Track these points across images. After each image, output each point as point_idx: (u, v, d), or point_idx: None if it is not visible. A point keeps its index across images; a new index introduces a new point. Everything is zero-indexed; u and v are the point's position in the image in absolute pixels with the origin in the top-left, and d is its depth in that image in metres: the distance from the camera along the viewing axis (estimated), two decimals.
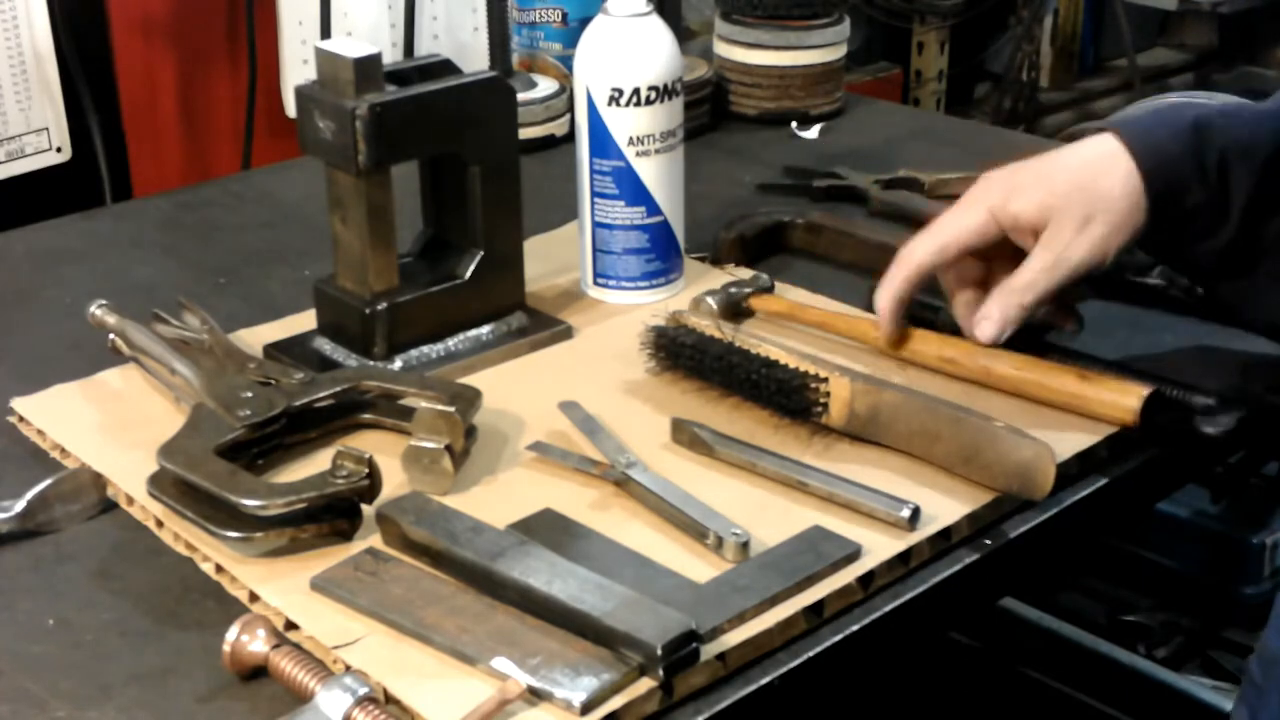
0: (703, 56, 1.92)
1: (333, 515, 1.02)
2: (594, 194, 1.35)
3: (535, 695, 0.87)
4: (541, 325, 1.30)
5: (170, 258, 1.52)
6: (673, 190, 1.35)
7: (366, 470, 1.01)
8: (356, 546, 1.01)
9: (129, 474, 1.08)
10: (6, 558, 1.03)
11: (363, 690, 0.85)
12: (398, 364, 1.23)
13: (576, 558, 0.97)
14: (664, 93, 1.32)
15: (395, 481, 1.06)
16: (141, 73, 1.96)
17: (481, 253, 1.26)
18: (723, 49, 1.89)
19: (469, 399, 1.13)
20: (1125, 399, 1.11)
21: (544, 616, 0.92)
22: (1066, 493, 1.08)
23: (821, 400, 1.12)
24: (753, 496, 1.07)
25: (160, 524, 1.05)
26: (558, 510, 1.05)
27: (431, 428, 1.07)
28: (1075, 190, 1.11)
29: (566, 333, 1.31)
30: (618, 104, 1.31)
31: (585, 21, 1.37)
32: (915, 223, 1.50)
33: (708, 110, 1.84)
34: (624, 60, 1.31)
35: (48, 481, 1.06)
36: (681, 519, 1.03)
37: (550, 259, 1.42)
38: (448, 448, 1.07)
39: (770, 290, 1.33)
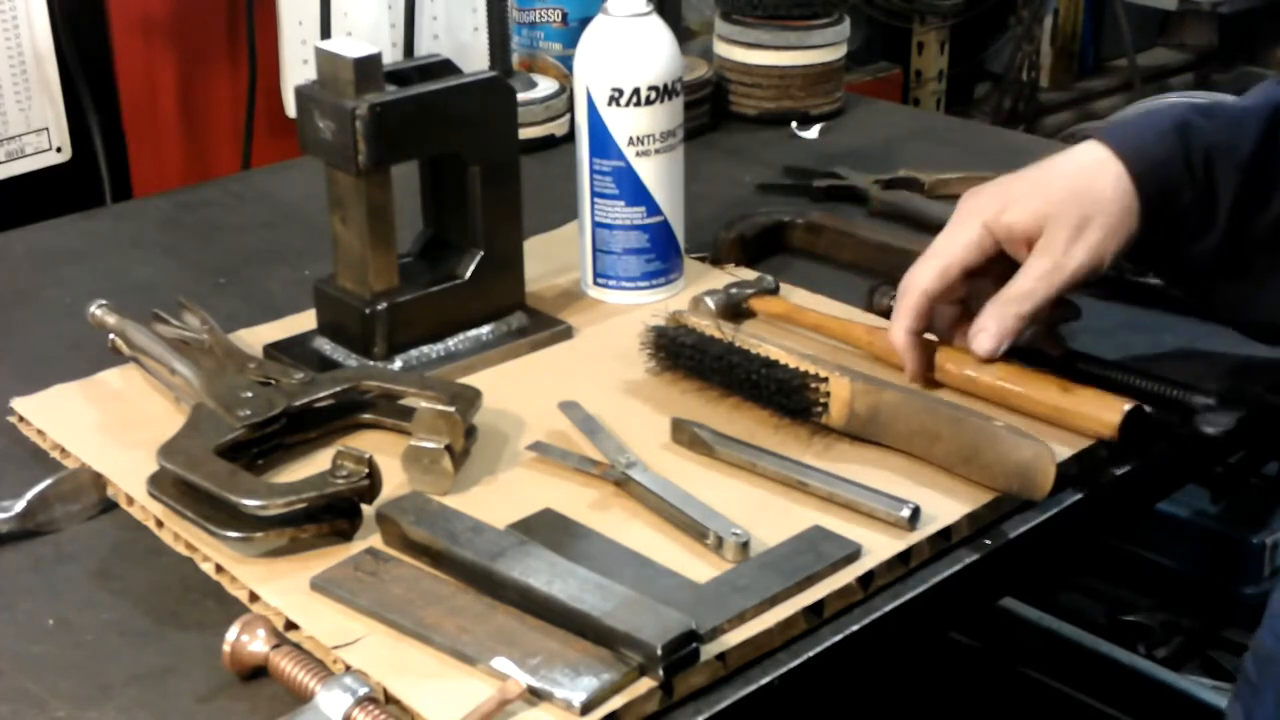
0: (703, 56, 1.92)
1: (333, 515, 1.02)
2: (594, 194, 1.35)
3: (535, 695, 0.87)
4: (541, 325, 1.30)
5: (170, 258, 1.52)
6: (673, 190, 1.35)
7: (366, 470, 1.01)
8: (356, 546, 1.01)
9: (129, 474, 1.08)
10: (6, 558, 1.03)
11: (363, 690, 0.85)
12: (398, 364, 1.23)
13: (576, 558, 0.97)
14: (664, 93, 1.32)
15: (395, 481, 1.06)
16: (141, 73, 1.96)
17: (481, 253, 1.26)
18: (723, 49, 1.89)
19: (469, 399, 1.13)
20: (1106, 414, 1.09)
21: (544, 616, 0.92)
22: (1066, 493, 1.08)
23: (821, 400, 1.12)
24: (753, 496, 1.07)
25: (160, 524, 1.05)
26: (558, 510, 1.05)
27: (431, 428, 1.07)
28: (1069, 197, 1.11)
29: (566, 333, 1.31)
30: (618, 104, 1.31)
31: (585, 21, 1.37)
32: (915, 223, 1.51)
33: (708, 110, 1.84)
34: (624, 60, 1.31)
35: (48, 481, 1.06)
36: (681, 519, 1.03)
37: (550, 259, 1.42)
38: (448, 448, 1.07)
39: (774, 292, 1.33)
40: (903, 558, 1.01)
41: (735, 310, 1.30)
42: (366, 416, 1.16)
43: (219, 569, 1.00)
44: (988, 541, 1.05)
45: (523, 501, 1.06)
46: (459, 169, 1.25)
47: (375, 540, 1.02)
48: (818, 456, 1.11)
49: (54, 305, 1.41)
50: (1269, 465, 2.06)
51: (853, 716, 1.10)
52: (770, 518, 1.04)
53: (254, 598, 0.97)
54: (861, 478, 1.07)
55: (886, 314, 1.29)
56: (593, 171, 1.34)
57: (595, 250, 1.37)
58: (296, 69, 2.00)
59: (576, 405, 1.16)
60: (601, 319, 1.34)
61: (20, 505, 1.04)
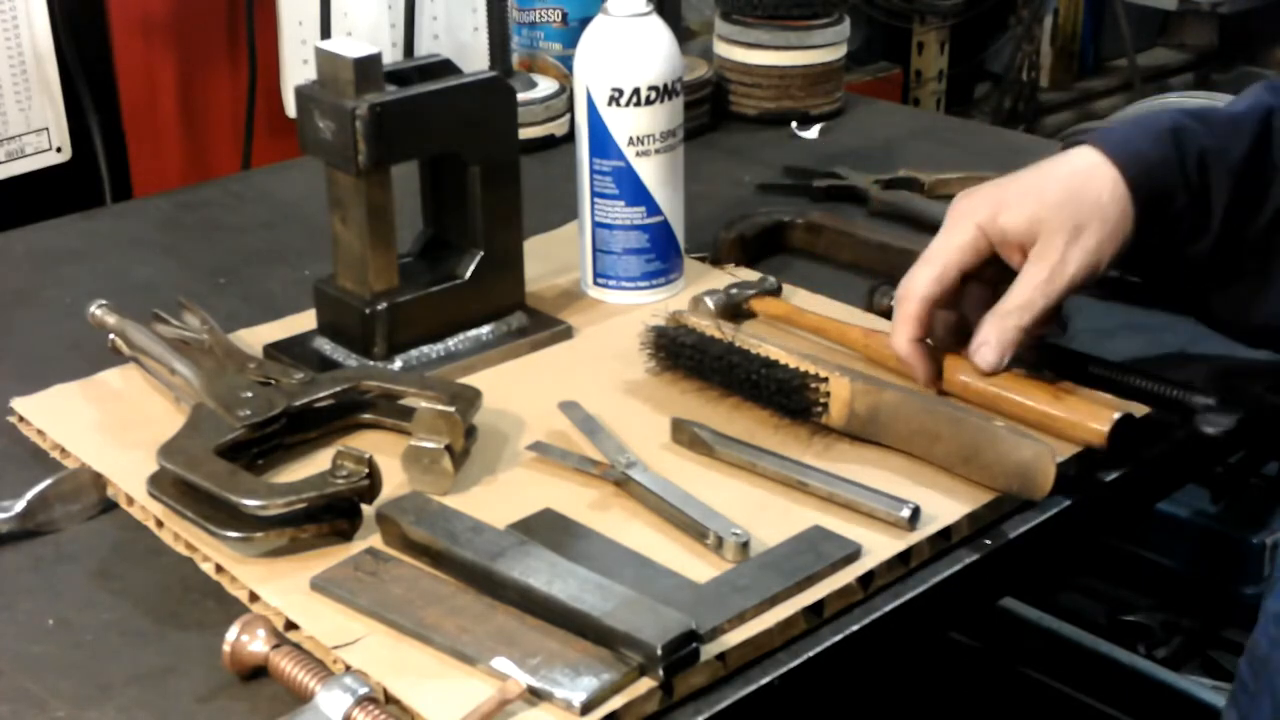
0: (703, 56, 1.92)
1: (333, 515, 1.02)
2: (594, 194, 1.35)
3: (535, 695, 0.87)
4: (541, 325, 1.30)
5: (170, 258, 1.52)
6: (673, 190, 1.35)
7: (366, 470, 1.01)
8: (356, 546, 1.01)
9: (129, 474, 1.08)
10: (6, 558, 1.03)
11: (363, 690, 0.85)
12: (398, 364, 1.23)
13: (576, 558, 0.97)
14: (664, 93, 1.32)
15: (395, 481, 1.06)
16: (141, 73, 1.96)
17: (481, 253, 1.26)
18: (723, 49, 1.89)
19: (469, 399, 1.13)
20: (1095, 421, 1.08)
21: (544, 616, 0.92)
22: (1066, 493, 1.08)
23: (821, 400, 1.12)
24: (753, 496, 1.07)
25: (160, 524, 1.05)
26: (558, 510, 1.05)
27: (431, 428, 1.07)
28: (1064, 202, 1.09)
29: (566, 333, 1.31)
30: (618, 104, 1.31)
31: (585, 21, 1.37)
32: (915, 223, 1.51)
33: (708, 110, 1.84)
34: (624, 60, 1.31)
35: (48, 481, 1.06)
36: (681, 519, 1.03)
37: (550, 259, 1.42)
38: (448, 448, 1.07)
39: (776, 293, 1.32)
40: (903, 558, 1.01)
41: (735, 311, 1.30)
42: (366, 416, 1.16)
43: (219, 569, 1.00)
44: (988, 541, 1.05)
45: (523, 501, 1.06)
46: (459, 169, 1.25)
47: (375, 540, 1.02)
48: (818, 456, 1.11)
49: (54, 305, 1.41)
50: (1269, 465, 2.06)
51: (853, 716, 1.10)
52: (770, 518, 1.04)
53: (254, 598, 0.97)
54: (861, 478, 1.07)
55: (886, 314, 1.29)
56: (593, 171, 1.34)
57: (595, 250, 1.37)
58: (296, 69, 2.00)
59: (576, 405, 1.16)
60: (601, 319, 1.34)
61: (20, 505, 1.04)
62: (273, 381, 1.14)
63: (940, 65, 3.56)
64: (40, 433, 1.17)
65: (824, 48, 1.85)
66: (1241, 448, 1.55)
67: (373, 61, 1.18)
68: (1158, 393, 1.15)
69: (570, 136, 1.45)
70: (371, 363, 1.22)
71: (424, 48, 2.05)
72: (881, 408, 1.11)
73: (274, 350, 1.26)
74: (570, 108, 1.54)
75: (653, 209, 1.34)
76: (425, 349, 1.25)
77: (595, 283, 1.38)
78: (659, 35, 1.32)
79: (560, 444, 1.13)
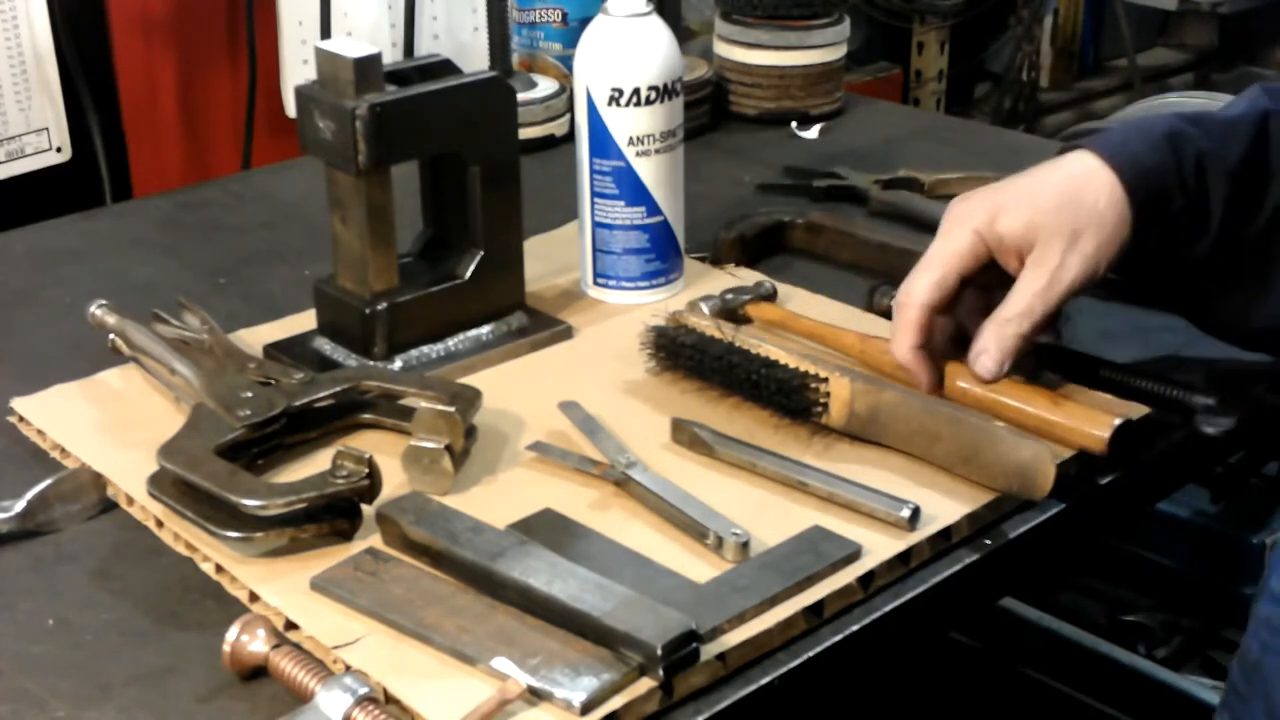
0: (703, 56, 1.92)
1: (333, 515, 1.02)
2: (594, 194, 1.35)
3: (535, 695, 0.87)
4: (541, 325, 1.30)
5: (170, 258, 1.52)
6: (673, 190, 1.35)
7: (366, 470, 1.01)
8: (356, 546, 1.01)
9: (129, 474, 1.08)
10: (6, 558, 1.03)
11: (363, 690, 0.85)
12: (398, 364, 1.23)
13: (576, 558, 0.97)
14: (664, 93, 1.32)
15: (395, 481, 1.06)
16: (141, 73, 1.96)
17: (481, 253, 1.26)
18: (723, 49, 1.89)
19: (469, 399, 1.13)
20: (1094, 428, 1.08)
21: (544, 616, 0.92)
22: (1066, 493, 1.08)
23: (821, 400, 1.12)
24: (753, 496, 1.07)
25: (160, 524, 1.05)
26: (558, 510, 1.05)
27: (431, 428, 1.07)
28: (1061, 207, 1.08)
29: (566, 333, 1.31)
30: (618, 104, 1.31)
31: (585, 21, 1.37)
32: (915, 223, 1.51)
33: (708, 110, 1.84)
34: (624, 60, 1.31)
35: (48, 481, 1.06)
36: (681, 519, 1.03)
37: (550, 259, 1.42)
38: (448, 448, 1.07)
39: (772, 298, 1.32)
40: (903, 558, 1.01)
41: (731, 317, 1.29)
42: (366, 416, 1.16)
43: (219, 569, 1.00)
44: (988, 541, 1.05)
45: (523, 501, 1.06)
46: (459, 169, 1.25)
47: (375, 540, 1.02)
48: (818, 456, 1.11)
49: (54, 305, 1.41)
50: (1269, 465, 2.06)
51: (853, 716, 1.10)
52: (770, 518, 1.04)
53: (254, 598, 0.97)
54: (861, 478, 1.07)
55: (886, 314, 1.29)
56: (593, 171, 1.34)
57: (595, 250, 1.37)
58: (296, 69, 2.00)
59: (576, 405, 1.16)
60: (601, 319, 1.34)
61: (20, 505, 1.04)
62: (273, 381, 1.14)
63: (940, 65, 3.56)
64: (40, 433, 1.17)
65: (824, 48, 1.85)
66: (1241, 448, 1.55)
67: (373, 61, 1.18)
68: (1157, 393, 1.15)
69: (570, 136, 1.45)
70: (371, 363, 1.22)
71: (424, 48, 2.05)
72: (881, 408, 1.11)
73: (274, 350, 1.26)
74: (570, 108, 1.54)
75: (653, 209, 1.34)
76: (425, 349, 1.25)
77: (595, 283, 1.38)
78: (659, 35, 1.32)
79: (560, 444, 1.13)
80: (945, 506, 1.05)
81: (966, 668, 1.99)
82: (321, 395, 1.13)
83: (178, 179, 1.99)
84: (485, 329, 1.28)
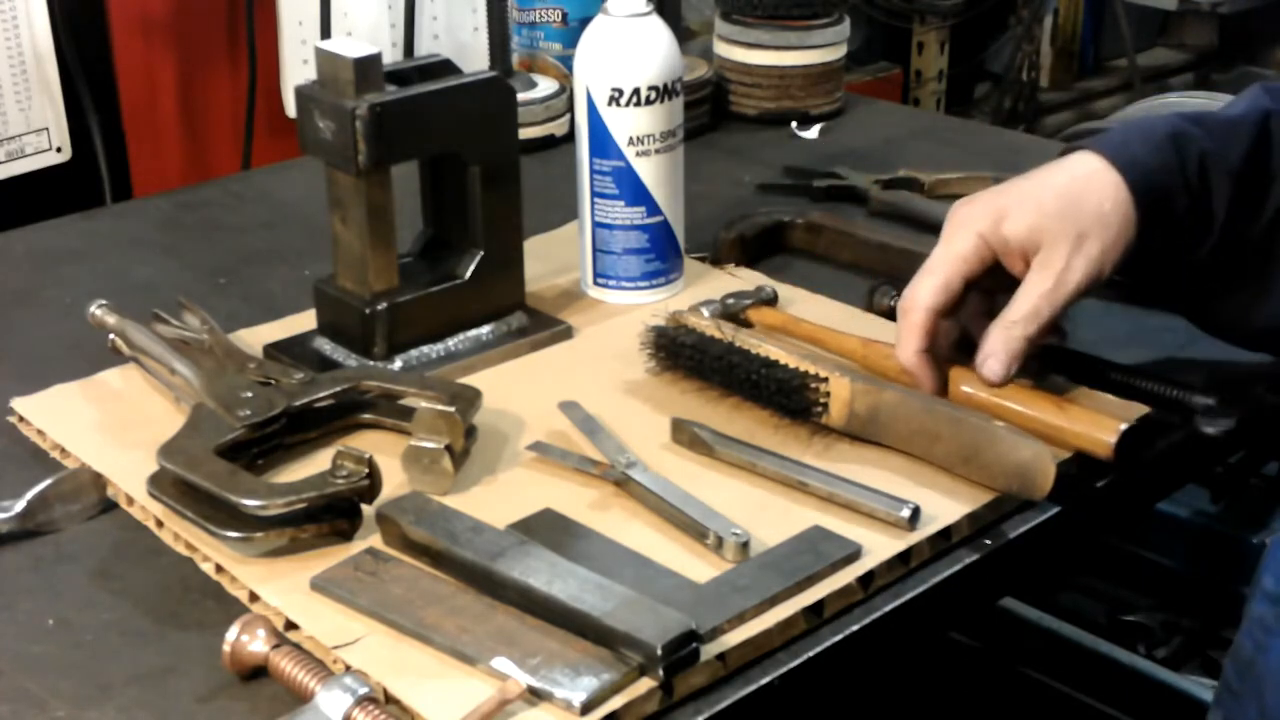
0: (703, 56, 1.92)
1: (333, 515, 1.02)
2: (594, 194, 1.35)
3: (535, 695, 0.87)
4: (541, 325, 1.30)
5: (170, 258, 1.52)
6: (673, 190, 1.35)
7: (366, 470, 1.01)
8: (356, 546, 1.01)
9: (129, 474, 1.08)
10: (6, 558, 1.03)
11: (363, 690, 0.85)
12: (398, 364, 1.23)
13: (576, 558, 0.97)
14: (664, 93, 1.32)
15: (395, 481, 1.06)
16: (141, 73, 1.96)
17: (481, 253, 1.26)
18: (723, 49, 1.89)
19: (469, 399, 1.13)
20: (1101, 433, 1.08)
21: (544, 616, 0.92)
22: (1066, 493, 1.08)
23: (821, 400, 1.12)
24: (753, 496, 1.07)
25: (160, 524, 1.05)
26: (558, 510, 1.05)
27: (431, 428, 1.07)
28: (1065, 209, 1.08)
29: (566, 333, 1.31)
30: (618, 104, 1.31)
31: (585, 21, 1.37)
32: (915, 223, 1.51)
33: (708, 110, 1.84)
34: (624, 60, 1.31)
35: (48, 481, 1.06)
36: (681, 519, 1.03)
37: (550, 259, 1.42)
38: (448, 448, 1.07)
39: (773, 302, 1.31)
40: (903, 558, 1.01)
41: (731, 321, 1.29)
42: (366, 416, 1.16)
43: (219, 569, 1.00)
44: (988, 541, 1.05)
45: (523, 501, 1.06)
46: (459, 169, 1.25)
47: (375, 540, 1.02)
48: (818, 456, 1.11)
49: (54, 305, 1.41)
50: (1269, 465, 2.06)
51: (853, 716, 1.10)
52: (770, 518, 1.04)
53: (254, 598, 0.97)
54: (861, 478, 1.07)
55: (886, 314, 1.29)
56: (593, 171, 1.34)
57: (595, 250, 1.37)
58: (296, 69, 2.00)
59: (576, 405, 1.16)
60: (601, 319, 1.34)
61: (20, 505, 1.04)
62: (273, 381, 1.14)
63: (940, 65, 3.56)
64: (40, 433, 1.17)
65: (824, 48, 1.85)
66: (1241, 448, 1.55)
67: (373, 61, 1.18)
68: (1157, 393, 1.15)
69: (570, 136, 1.45)
70: (371, 363, 1.22)
71: (424, 48, 2.05)
72: (881, 408, 1.11)
73: (274, 350, 1.26)
74: (570, 108, 1.54)
75: (653, 209, 1.34)
76: (425, 349, 1.25)
77: (595, 283, 1.38)
78: (659, 35, 1.32)
79: (560, 444, 1.13)
80: (945, 506, 1.05)
81: (966, 668, 1.98)
82: (321, 395, 1.13)
83: (178, 179, 1.99)
84: (485, 329, 1.28)
